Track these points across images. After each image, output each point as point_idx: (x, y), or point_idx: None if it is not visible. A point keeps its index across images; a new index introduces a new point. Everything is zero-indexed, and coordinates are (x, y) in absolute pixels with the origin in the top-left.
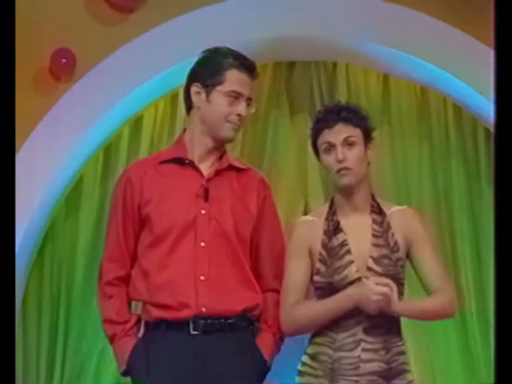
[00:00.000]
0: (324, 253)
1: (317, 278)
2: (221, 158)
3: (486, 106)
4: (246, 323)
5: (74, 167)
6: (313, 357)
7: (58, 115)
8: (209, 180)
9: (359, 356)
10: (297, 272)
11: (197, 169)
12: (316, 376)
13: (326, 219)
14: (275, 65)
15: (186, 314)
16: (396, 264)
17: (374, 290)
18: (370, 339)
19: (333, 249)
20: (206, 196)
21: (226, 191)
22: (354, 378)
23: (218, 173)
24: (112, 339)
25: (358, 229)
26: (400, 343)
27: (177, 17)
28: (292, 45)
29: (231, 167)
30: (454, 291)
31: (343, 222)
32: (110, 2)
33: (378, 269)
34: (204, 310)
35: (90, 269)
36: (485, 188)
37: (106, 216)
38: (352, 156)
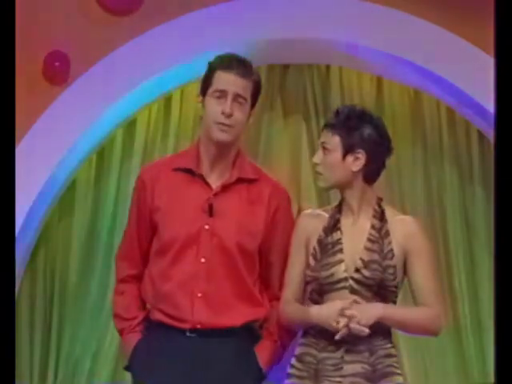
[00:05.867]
0: (317, 248)
1: (307, 271)
2: (233, 167)
3: (479, 109)
4: (245, 331)
5: (67, 170)
6: (299, 358)
7: (52, 118)
8: (216, 194)
9: (342, 357)
10: (294, 266)
11: (206, 182)
12: (301, 377)
13: (330, 216)
14: (269, 67)
15: (183, 325)
16: (385, 271)
17: (334, 318)
18: (354, 340)
19: (326, 245)
20: (210, 211)
21: (232, 206)
22: (338, 379)
23: (225, 187)
24: (121, 333)
25: (355, 230)
26: (387, 346)
27: (171, 20)
28: (285, 48)
29: (241, 180)
30: (443, 310)
31: (344, 222)
32: (103, 5)
33: (366, 272)
34: (199, 326)
35: (84, 271)
36: (478, 190)
37: (99, 219)
38: (325, 161)
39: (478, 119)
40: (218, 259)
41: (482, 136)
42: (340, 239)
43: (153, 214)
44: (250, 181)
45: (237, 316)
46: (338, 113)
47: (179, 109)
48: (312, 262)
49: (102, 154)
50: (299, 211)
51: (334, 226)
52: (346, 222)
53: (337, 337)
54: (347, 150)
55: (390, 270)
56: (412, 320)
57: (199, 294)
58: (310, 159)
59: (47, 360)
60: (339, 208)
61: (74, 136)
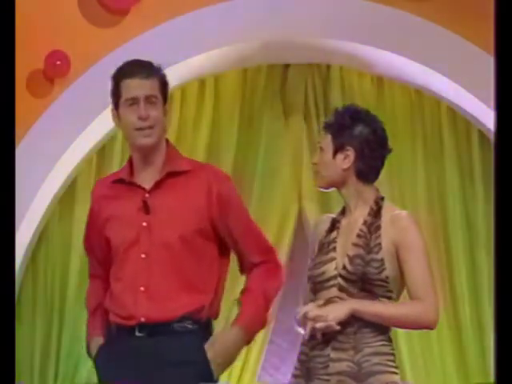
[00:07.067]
0: (316, 248)
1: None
2: (164, 164)
3: (479, 109)
4: (190, 326)
5: (67, 170)
6: (297, 358)
7: (52, 117)
8: (150, 192)
9: (329, 355)
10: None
11: (138, 185)
12: (297, 376)
13: (334, 218)
14: (269, 67)
15: (130, 323)
16: (368, 264)
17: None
18: (341, 338)
19: (323, 245)
20: (146, 209)
21: (168, 200)
22: (325, 378)
23: (158, 184)
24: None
25: (348, 229)
26: (376, 343)
27: (171, 19)
28: (285, 48)
29: (174, 174)
30: (436, 302)
31: (343, 222)
32: (103, 5)
33: (350, 267)
34: (143, 319)
35: (84, 271)
36: (478, 190)
37: None
38: (319, 161)
39: (479, 119)
40: (158, 252)
41: (482, 135)
42: (335, 238)
43: (102, 228)
44: (185, 173)
45: (177, 307)
46: (334, 113)
47: (179, 108)
48: (309, 261)
49: (102, 153)
50: (300, 211)
51: (333, 226)
52: (345, 221)
53: (305, 336)
54: (337, 148)
55: (375, 264)
56: (396, 314)
57: (142, 288)
58: (311, 159)
59: (48, 360)
60: (344, 208)
61: (74, 136)
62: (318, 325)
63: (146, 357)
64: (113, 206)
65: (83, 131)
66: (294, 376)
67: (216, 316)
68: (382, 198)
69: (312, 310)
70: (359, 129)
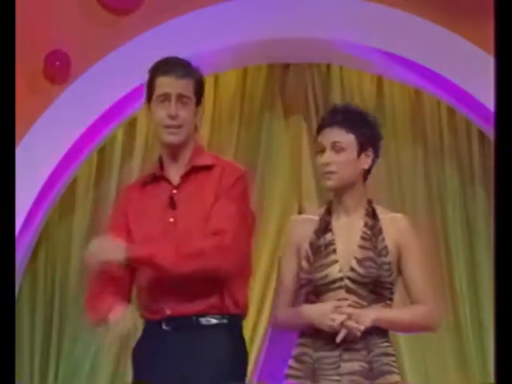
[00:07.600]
0: (310, 251)
1: (301, 274)
2: (190, 159)
3: (479, 108)
4: (217, 321)
5: (67, 170)
6: (296, 358)
7: (52, 117)
8: (177, 187)
9: (340, 355)
10: (285, 273)
11: (166, 180)
12: (298, 377)
13: (320, 219)
14: (269, 67)
15: (157, 316)
16: (380, 267)
17: (329, 316)
18: (351, 339)
19: (318, 247)
20: (172, 204)
21: (192, 195)
22: (336, 378)
23: (184, 178)
24: None
25: (347, 230)
26: (384, 344)
27: (172, 19)
28: (285, 47)
29: (198, 168)
30: (437, 305)
31: (335, 223)
32: (104, 5)
33: (360, 270)
34: (168, 312)
35: (84, 271)
36: (478, 190)
37: (99, 217)
38: (338, 160)
39: (479, 118)
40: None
41: (482, 135)
42: (333, 240)
43: (130, 229)
44: (208, 168)
45: (203, 301)
46: (344, 111)
47: None
48: (305, 264)
49: (102, 153)
50: (300, 211)
51: (325, 227)
52: (337, 222)
53: (337, 339)
54: (361, 148)
55: (386, 267)
56: (406, 320)
57: (168, 284)
58: (311, 159)
59: (47, 360)
60: (329, 209)
61: (74, 136)
62: (349, 323)
63: (171, 350)
64: (141, 204)
65: (83, 131)
66: (293, 377)
67: (244, 313)
68: (371, 199)
69: (346, 306)
70: (371, 129)
